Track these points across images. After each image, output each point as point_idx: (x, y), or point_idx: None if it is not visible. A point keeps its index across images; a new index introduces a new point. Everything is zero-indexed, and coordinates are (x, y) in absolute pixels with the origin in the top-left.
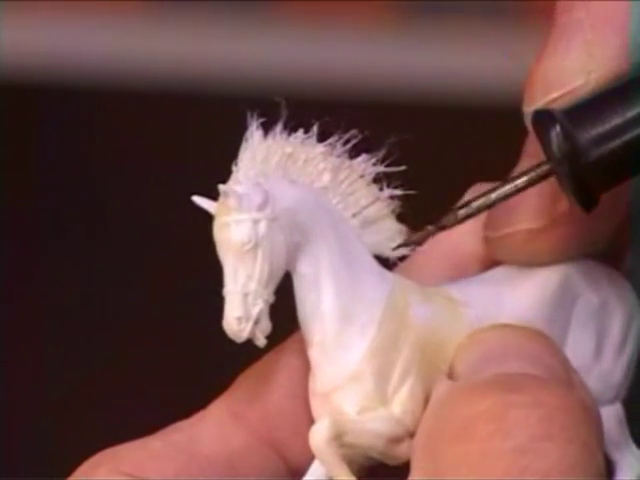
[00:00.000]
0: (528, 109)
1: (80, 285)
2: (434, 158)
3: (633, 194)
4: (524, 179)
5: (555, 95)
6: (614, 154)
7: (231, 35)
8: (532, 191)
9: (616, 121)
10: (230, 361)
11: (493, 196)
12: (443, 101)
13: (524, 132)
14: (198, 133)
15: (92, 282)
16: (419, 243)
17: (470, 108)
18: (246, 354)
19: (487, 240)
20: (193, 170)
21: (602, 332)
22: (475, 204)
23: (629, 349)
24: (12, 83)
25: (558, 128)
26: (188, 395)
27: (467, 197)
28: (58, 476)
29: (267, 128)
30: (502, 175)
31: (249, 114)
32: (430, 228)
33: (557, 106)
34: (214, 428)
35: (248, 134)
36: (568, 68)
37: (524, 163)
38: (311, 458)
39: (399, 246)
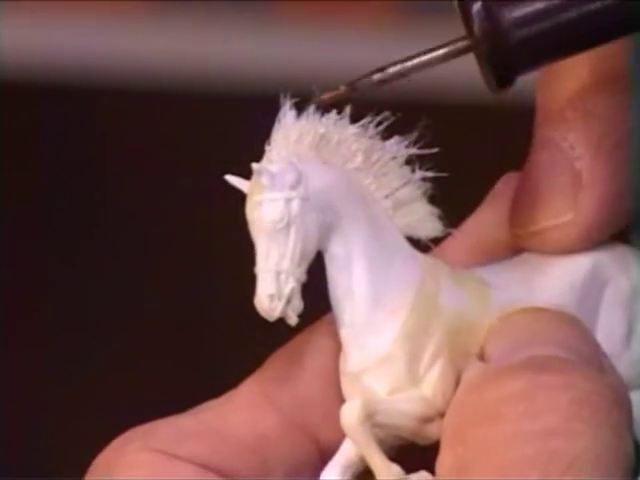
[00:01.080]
0: None
1: (81, 284)
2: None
3: (633, 189)
4: (442, 51)
5: None
6: (534, 39)
7: (231, 34)
8: (552, 185)
9: (540, 5)
10: (207, 377)
11: (409, 64)
12: (443, 100)
13: (524, 127)
14: (198, 132)
15: (93, 280)
16: (330, 102)
17: (470, 106)
18: (275, 335)
19: (514, 236)
20: (193, 169)
21: (633, 317)
22: (391, 70)
23: None
24: (12, 82)
25: (480, 5)
26: (218, 377)
27: (498, 186)
28: (59, 476)
29: (269, 128)
30: (503, 169)
31: (282, 95)
32: (342, 87)
33: None
34: (245, 409)
35: (281, 114)
36: None
37: (539, 131)
38: (342, 439)
39: (314, 102)
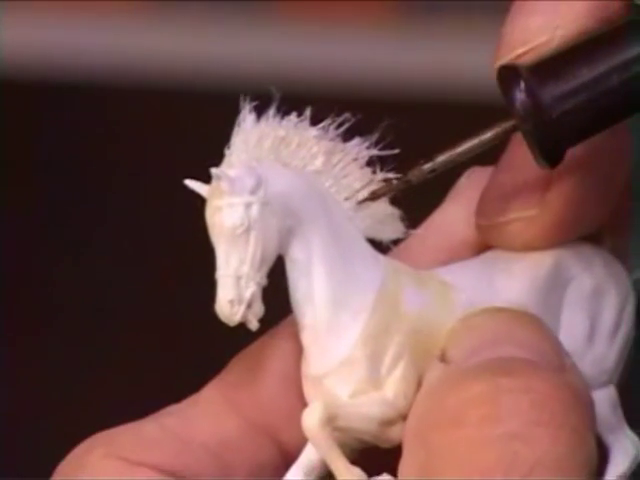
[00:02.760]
0: (495, 66)
1: (82, 284)
2: (430, 149)
3: (634, 184)
4: (489, 134)
5: (520, 51)
6: (577, 111)
7: (231, 33)
8: (523, 179)
9: (580, 78)
10: (222, 345)
11: (459, 150)
12: (443, 99)
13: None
14: (198, 131)
15: (95, 280)
16: (383, 197)
17: (469, 105)
18: (238, 338)
19: (479, 228)
20: (193, 168)
21: (595, 315)
22: (440, 159)
23: (623, 332)
24: (12, 80)
25: (522, 84)
26: (181, 379)
27: (462, 181)
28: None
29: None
30: (465, 166)
31: (241, 98)
32: (395, 182)
33: (523, 62)
34: (207, 412)
35: (240, 118)
36: (534, 24)
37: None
38: (304, 442)
39: (365, 200)
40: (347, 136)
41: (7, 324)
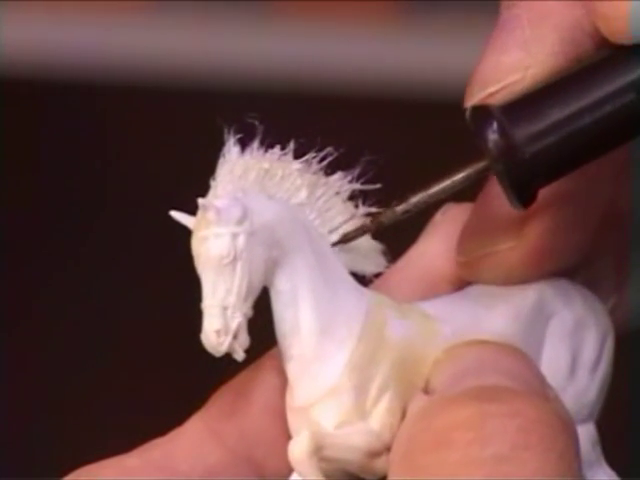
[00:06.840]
0: (467, 105)
1: (82, 284)
2: (430, 149)
3: (634, 202)
4: (461, 175)
5: (492, 90)
6: (549, 151)
7: (231, 33)
8: (500, 213)
9: (552, 118)
10: (206, 377)
11: (431, 192)
12: (443, 98)
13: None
14: (198, 130)
15: (90, 280)
16: (355, 238)
17: (413, 137)
18: (221, 370)
19: (460, 265)
20: (192, 167)
21: (576, 351)
22: (413, 200)
23: (603, 368)
24: (12, 80)
25: (494, 125)
26: (169, 406)
27: (438, 216)
28: (58, 476)
29: (269, 126)
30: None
31: (226, 130)
32: (367, 224)
33: (494, 102)
34: (191, 445)
35: (225, 150)
36: (505, 63)
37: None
38: (288, 475)
39: (337, 243)
40: (349, 139)
41: (6, 323)
